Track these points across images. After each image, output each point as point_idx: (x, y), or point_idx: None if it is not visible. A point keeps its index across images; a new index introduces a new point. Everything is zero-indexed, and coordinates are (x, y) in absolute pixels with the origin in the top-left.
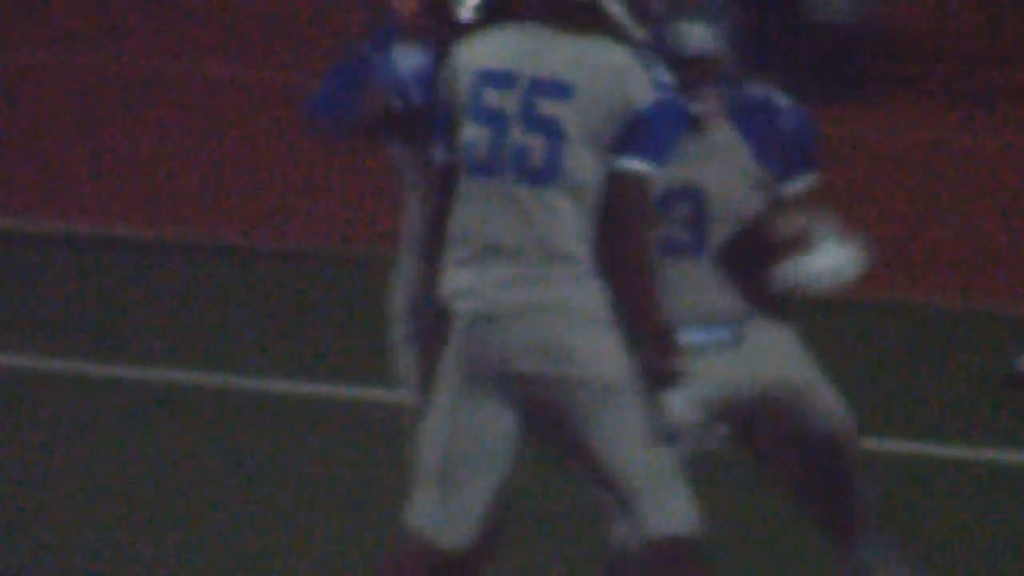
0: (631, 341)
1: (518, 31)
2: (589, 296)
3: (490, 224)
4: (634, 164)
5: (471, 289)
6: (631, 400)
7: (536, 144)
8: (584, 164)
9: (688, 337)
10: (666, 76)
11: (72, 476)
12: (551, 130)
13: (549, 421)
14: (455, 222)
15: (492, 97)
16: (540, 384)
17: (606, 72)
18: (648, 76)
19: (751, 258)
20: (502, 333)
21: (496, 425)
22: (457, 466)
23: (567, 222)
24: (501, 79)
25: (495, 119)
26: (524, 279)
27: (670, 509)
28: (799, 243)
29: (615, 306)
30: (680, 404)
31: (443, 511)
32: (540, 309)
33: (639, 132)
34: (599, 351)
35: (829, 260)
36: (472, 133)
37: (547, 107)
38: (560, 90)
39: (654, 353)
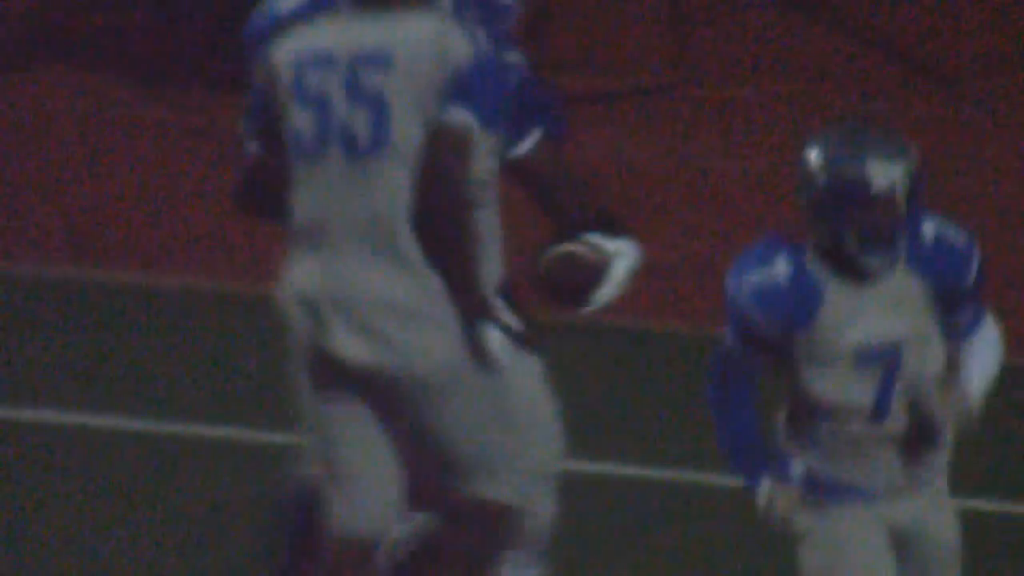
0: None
1: (330, 17)
2: (415, 286)
3: (325, 208)
4: (457, 116)
5: (306, 278)
6: (459, 390)
7: (361, 118)
8: (412, 133)
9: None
10: (483, 34)
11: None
12: (376, 102)
13: (383, 409)
14: (292, 212)
15: (314, 79)
16: (368, 375)
17: (424, 36)
18: (465, 34)
19: None
20: (336, 322)
21: (350, 411)
22: (339, 459)
23: (400, 195)
24: (321, 60)
25: (319, 101)
26: (354, 266)
27: (500, 482)
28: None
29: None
30: (497, 337)
31: (347, 502)
32: (369, 300)
33: (461, 88)
34: (421, 345)
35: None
36: (298, 120)
37: (369, 79)
38: (380, 60)
39: (464, 291)
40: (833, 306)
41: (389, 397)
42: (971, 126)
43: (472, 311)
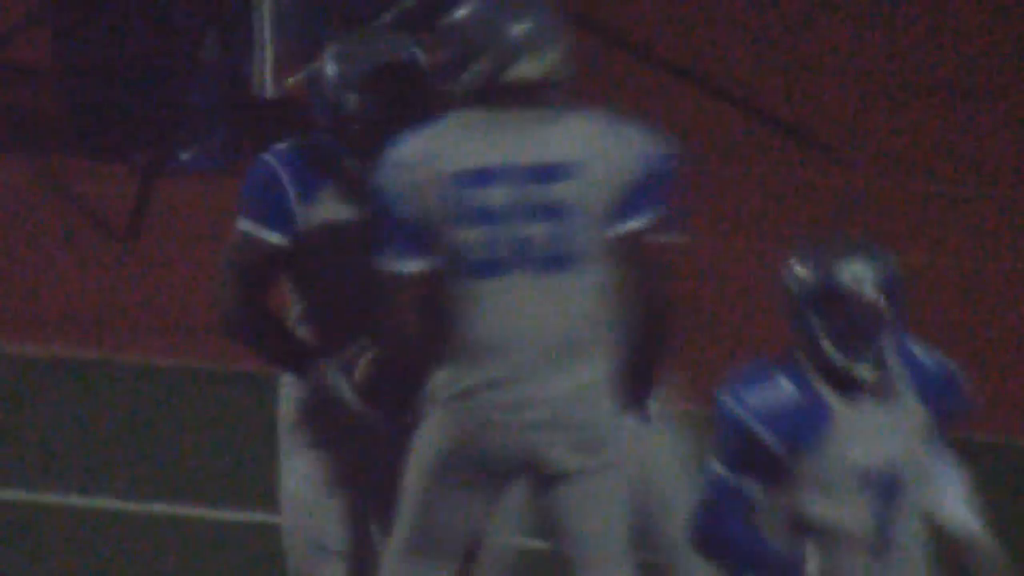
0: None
1: (482, 122)
2: (606, 380)
3: (510, 323)
4: (637, 223)
5: (488, 385)
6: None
7: (545, 232)
8: (595, 243)
9: None
10: (640, 132)
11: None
12: (556, 214)
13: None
14: (465, 327)
15: (481, 196)
16: (568, 476)
17: (596, 142)
18: (631, 136)
19: None
20: (529, 430)
21: (474, 514)
22: (428, 544)
23: (588, 306)
24: (489, 176)
25: (497, 217)
26: (543, 373)
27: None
28: None
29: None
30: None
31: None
32: (566, 401)
33: (636, 192)
34: (615, 436)
35: None
36: (471, 236)
37: (546, 191)
38: (556, 173)
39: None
40: (839, 426)
41: (560, 495)
42: (845, 192)
43: (641, 409)
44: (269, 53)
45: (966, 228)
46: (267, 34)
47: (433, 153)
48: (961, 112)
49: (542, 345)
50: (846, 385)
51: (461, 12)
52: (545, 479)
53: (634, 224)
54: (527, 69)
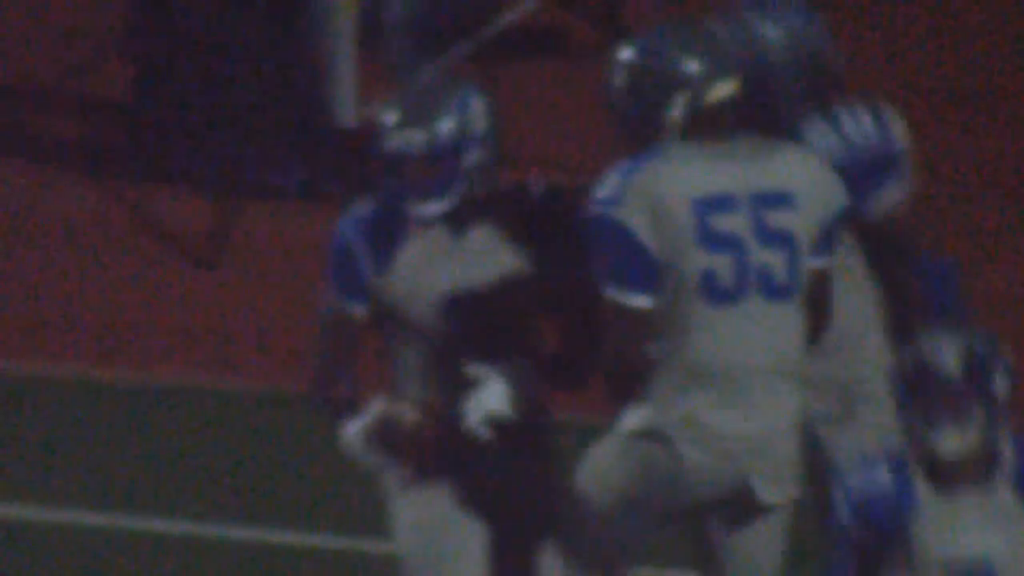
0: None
1: (705, 150)
2: (802, 415)
3: (739, 349)
4: (823, 262)
5: (711, 411)
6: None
7: (778, 260)
8: (802, 272)
9: None
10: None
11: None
12: (787, 242)
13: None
14: (694, 352)
15: (721, 222)
16: (766, 509)
17: (815, 177)
18: (834, 178)
19: None
20: (743, 458)
21: (647, 540)
22: (595, 559)
23: (799, 333)
24: (724, 203)
25: (731, 243)
26: (761, 402)
27: None
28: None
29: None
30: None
31: None
32: (776, 433)
33: (833, 231)
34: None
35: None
36: (709, 262)
37: (776, 220)
38: (785, 200)
39: None
40: (928, 515)
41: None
42: None
43: None
44: (350, 78)
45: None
46: (348, 57)
47: (672, 180)
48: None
49: (763, 374)
50: (943, 476)
51: (638, 57)
52: (742, 511)
53: (821, 263)
54: (722, 89)
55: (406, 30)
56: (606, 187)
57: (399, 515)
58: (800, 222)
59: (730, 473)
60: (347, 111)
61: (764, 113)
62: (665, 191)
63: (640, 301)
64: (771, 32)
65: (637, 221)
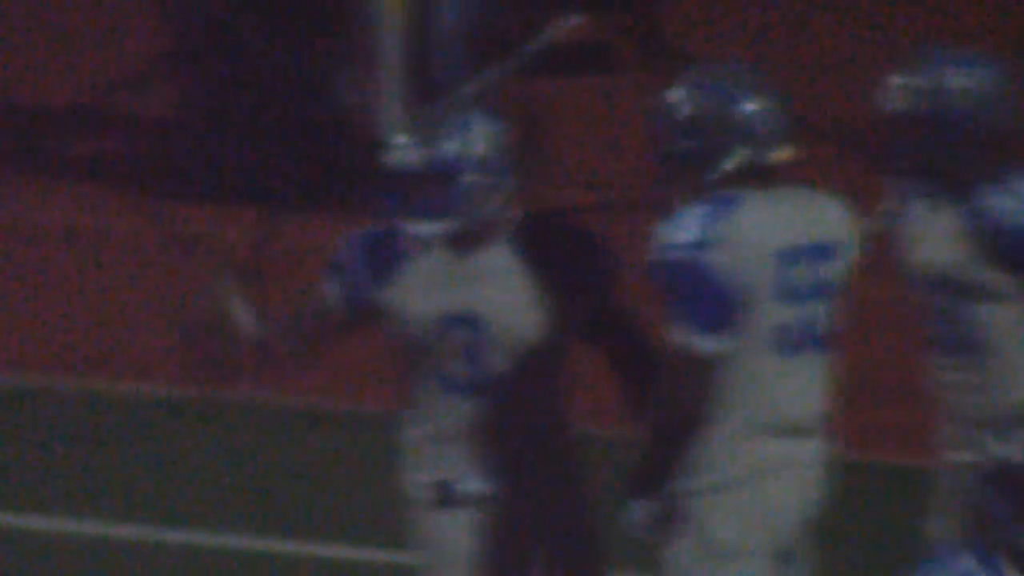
0: None
1: (771, 201)
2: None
3: (800, 403)
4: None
5: (785, 464)
6: None
7: (821, 310)
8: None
9: None
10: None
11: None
12: (828, 294)
13: None
14: (752, 403)
15: (793, 275)
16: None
17: (846, 226)
18: (856, 225)
19: None
20: (808, 509)
21: None
22: None
23: (828, 386)
24: (796, 254)
25: (800, 296)
26: (812, 452)
27: None
28: None
29: None
30: None
31: None
32: (821, 481)
33: (848, 280)
34: None
35: None
36: (783, 314)
37: (824, 272)
38: (830, 252)
39: None
40: None
41: None
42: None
43: None
44: (398, 95)
45: None
46: (396, 74)
47: (756, 230)
48: None
49: (814, 424)
50: None
51: (702, 104)
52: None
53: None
54: (784, 153)
55: (453, 42)
56: (684, 231)
57: (429, 531)
58: (839, 273)
59: (799, 524)
60: (391, 128)
61: (944, 162)
62: (751, 240)
63: (713, 344)
64: (958, 83)
65: (720, 266)
